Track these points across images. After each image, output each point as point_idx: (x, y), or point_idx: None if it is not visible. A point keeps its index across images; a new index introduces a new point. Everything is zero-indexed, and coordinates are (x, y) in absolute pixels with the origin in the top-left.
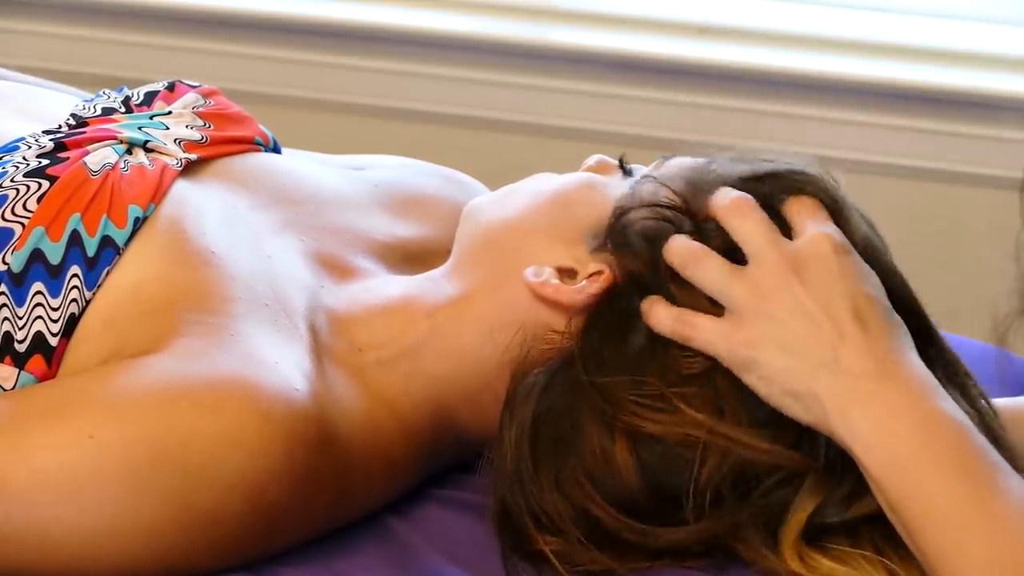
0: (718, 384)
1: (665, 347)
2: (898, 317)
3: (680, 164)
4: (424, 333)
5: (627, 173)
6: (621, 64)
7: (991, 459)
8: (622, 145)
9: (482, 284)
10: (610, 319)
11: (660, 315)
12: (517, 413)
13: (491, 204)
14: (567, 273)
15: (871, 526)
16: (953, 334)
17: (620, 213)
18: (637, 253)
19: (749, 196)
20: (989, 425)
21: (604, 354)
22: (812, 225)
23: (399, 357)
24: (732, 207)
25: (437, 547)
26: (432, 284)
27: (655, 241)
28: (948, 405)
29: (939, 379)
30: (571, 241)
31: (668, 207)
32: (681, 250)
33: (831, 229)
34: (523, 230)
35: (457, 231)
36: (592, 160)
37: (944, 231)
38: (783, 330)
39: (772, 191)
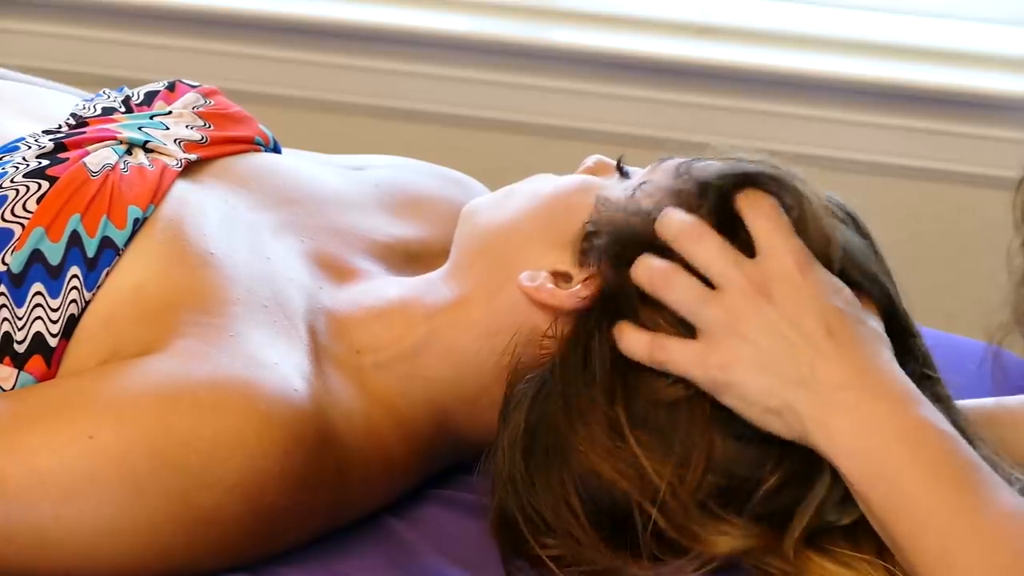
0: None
1: (637, 374)
2: (872, 325)
3: (666, 170)
4: (422, 336)
5: (624, 175)
6: (621, 64)
7: (978, 467)
8: (622, 145)
9: (479, 288)
10: (597, 325)
11: (633, 340)
12: (510, 420)
13: (488, 207)
14: (562, 277)
15: (872, 530)
16: (951, 334)
17: (590, 233)
18: (605, 274)
19: (696, 219)
20: (964, 429)
21: (593, 366)
22: (773, 240)
23: (397, 360)
24: (684, 234)
25: (437, 547)
26: (430, 287)
27: (623, 261)
28: (931, 413)
29: (915, 377)
30: (565, 246)
31: (636, 225)
32: (650, 270)
33: (794, 245)
34: (519, 234)
35: (455, 233)
36: (590, 160)
37: (943, 231)
38: (758, 351)
39: (722, 199)
